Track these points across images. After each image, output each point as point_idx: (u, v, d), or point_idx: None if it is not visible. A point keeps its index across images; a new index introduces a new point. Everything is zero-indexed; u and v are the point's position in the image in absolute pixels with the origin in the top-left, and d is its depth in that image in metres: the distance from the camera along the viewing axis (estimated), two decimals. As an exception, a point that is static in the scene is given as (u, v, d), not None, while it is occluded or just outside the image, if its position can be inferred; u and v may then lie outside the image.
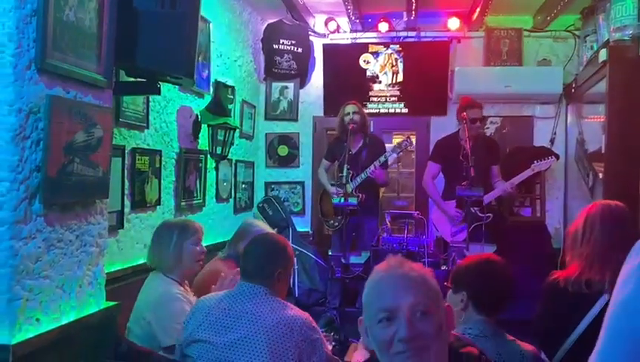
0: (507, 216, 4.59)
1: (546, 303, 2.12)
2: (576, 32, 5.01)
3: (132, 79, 2.47)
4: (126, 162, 3.01)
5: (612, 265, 1.81)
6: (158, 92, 2.57)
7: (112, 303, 2.17)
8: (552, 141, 5.16)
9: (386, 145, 4.74)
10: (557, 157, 4.62)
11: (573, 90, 4.90)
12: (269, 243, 2.12)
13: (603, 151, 3.72)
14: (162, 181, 3.44)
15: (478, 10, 4.76)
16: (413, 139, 5.70)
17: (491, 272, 1.96)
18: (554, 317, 2.06)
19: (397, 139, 5.21)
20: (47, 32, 1.72)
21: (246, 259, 2.08)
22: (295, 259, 4.57)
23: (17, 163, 1.66)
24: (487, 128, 5.13)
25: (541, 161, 4.20)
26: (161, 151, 3.41)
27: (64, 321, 1.88)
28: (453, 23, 5.13)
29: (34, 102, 1.71)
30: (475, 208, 3.91)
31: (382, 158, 4.35)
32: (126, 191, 3.04)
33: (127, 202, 3.05)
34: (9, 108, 1.65)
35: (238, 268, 2.41)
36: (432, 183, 4.48)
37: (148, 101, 3.21)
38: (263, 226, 3.18)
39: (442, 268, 4.41)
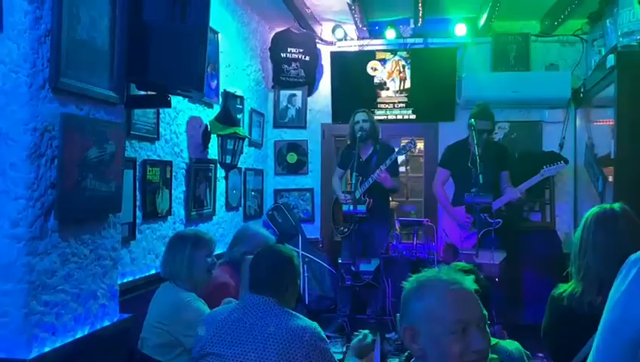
0: (516, 221, 4.58)
1: (552, 320, 2.11)
2: (584, 37, 5.00)
3: (143, 92, 2.51)
4: (137, 174, 3.05)
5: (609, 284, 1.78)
6: (169, 105, 2.60)
7: (125, 315, 2.20)
8: (561, 145, 5.15)
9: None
10: (566, 161, 4.60)
11: (581, 95, 4.88)
12: (276, 255, 2.14)
13: (612, 156, 3.71)
14: (173, 191, 3.47)
15: (485, 15, 4.76)
16: (422, 145, 5.73)
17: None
18: (560, 336, 2.05)
19: (404, 143, 5.23)
20: (60, 51, 1.76)
21: (253, 271, 2.10)
22: (305, 266, 4.67)
23: (33, 180, 1.70)
24: (496, 133, 5.12)
25: (551, 166, 4.18)
26: (171, 161, 3.44)
27: (79, 335, 1.92)
28: (461, 29, 5.14)
29: (48, 121, 1.75)
30: (485, 214, 3.91)
31: (387, 161, 4.37)
32: (137, 203, 3.08)
33: (138, 213, 3.09)
34: (24, 127, 1.69)
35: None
36: (442, 189, 4.49)
37: (158, 113, 3.25)
38: (259, 230, 3.23)
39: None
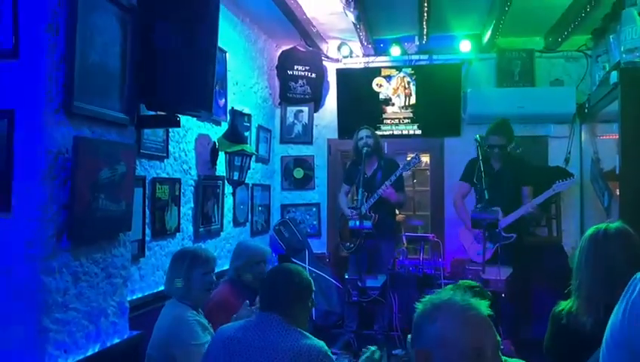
0: (524, 236, 4.57)
1: (552, 337, 2.12)
2: (588, 52, 5.03)
3: (152, 113, 2.56)
4: (147, 192, 3.10)
5: (604, 303, 1.79)
6: (178, 125, 2.66)
7: (135, 332, 2.24)
8: (566, 160, 5.15)
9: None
10: (572, 176, 4.61)
11: (586, 110, 4.90)
12: (286, 273, 2.17)
13: (617, 171, 3.72)
14: (181, 208, 3.52)
15: (489, 32, 4.82)
16: (427, 159, 5.77)
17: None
18: (561, 353, 2.07)
19: (409, 158, 5.26)
20: (74, 77, 1.83)
21: (263, 288, 2.13)
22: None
23: (47, 202, 1.75)
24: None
25: (562, 181, 4.19)
26: (180, 179, 3.50)
27: (90, 352, 1.95)
28: (465, 46, 5.19)
29: (62, 144, 1.81)
30: (494, 229, 3.91)
31: (392, 177, 4.41)
32: (147, 220, 3.13)
33: (147, 230, 3.14)
34: (39, 151, 1.74)
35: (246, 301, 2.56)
36: (461, 202, 4.54)
37: (167, 131, 3.31)
38: (249, 244, 3.33)
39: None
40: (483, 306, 1.37)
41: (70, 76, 1.81)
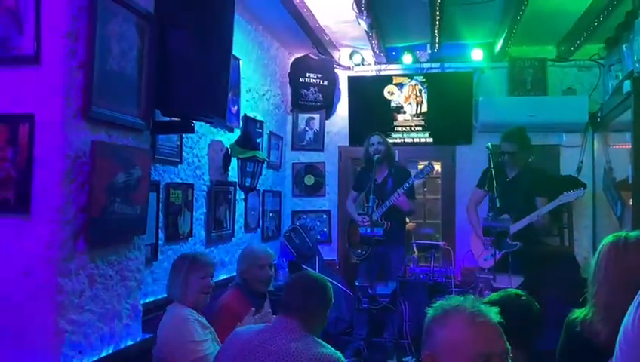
0: (535, 245, 4.55)
1: (566, 345, 2.11)
2: (601, 61, 5.02)
3: (167, 119, 2.60)
4: (160, 196, 3.14)
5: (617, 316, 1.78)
6: (192, 130, 2.70)
7: (147, 335, 2.26)
8: (579, 169, 5.14)
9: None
10: (584, 186, 4.58)
11: (599, 119, 4.89)
12: (307, 280, 2.18)
13: (630, 181, 3.70)
14: (194, 213, 3.55)
15: (501, 41, 4.83)
16: (438, 167, 5.76)
17: (522, 307, 1.98)
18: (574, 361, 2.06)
19: (421, 166, 5.27)
20: (93, 82, 1.86)
21: (286, 292, 2.15)
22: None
23: (65, 204, 1.79)
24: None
25: (570, 191, 4.16)
26: (193, 184, 3.53)
27: (104, 354, 1.98)
28: (477, 54, 5.21)
29: (80, 148, 1.84)
30: (505, 237, 3.91)
31: (405, 185, 4.41)
32: (160, 224, 3.16)
33: (161, 234, 3.18)
34: (58, 154, 1.78)
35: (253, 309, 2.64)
36: (473, 208, 4.55)
37: (181, 137, 3.36)
38: (252, 246, 3.38)
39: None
40: (492, 313, 1.37)
41: (89, 82, 1.85)
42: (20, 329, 1.76)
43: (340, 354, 2.02)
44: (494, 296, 2.11)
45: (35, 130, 1.78)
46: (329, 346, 2.04)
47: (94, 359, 1.92)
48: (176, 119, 2.59)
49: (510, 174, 4.34)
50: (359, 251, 4.65)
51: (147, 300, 2.94)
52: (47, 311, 1.75)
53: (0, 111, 1.81)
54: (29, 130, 1.78)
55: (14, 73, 1.81)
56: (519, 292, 2.17)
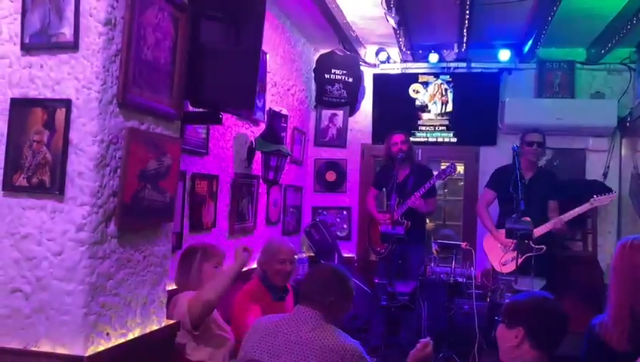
0: (557, 253, 4.49)
1: (588, 350, 2.11)
2: (632, 65, 4.94)
3: (195, 109, 2.63)
4: (186, 186, 3.18)
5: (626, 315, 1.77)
6: (220, 122, 2.73)
7: (171, 321, 2.30)
8: (605, 175, 5.06)
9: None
10: (610, 190, 4.51)
11: (628, 124, 4.81)
12: (328, 271, 2.21)
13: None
14: (218, 204, 3.59)
15: (530, 42, 4.77)
16: (462, 169, 5.72)
17: (550, 309, 1.97)
18: None
19: (444, 167, 5.23)
20: (128, 70, 1.89)
21: (305, 283, 2.17)
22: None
23: (98, 189, 1.82)
24: (546, 158, 5.07)
25: (601, 195, 4.10)
26: (218, 176, 3.57)
27: (130, 337, 2.02)
28: (504, 55, 5.16)
29: (114, 134, 1.88)
30: (527, 240, 3.87)
31: (427, 185, 4.40)
32: (185, 214, 3.20)
33: (185, 224, 3.21)
34: (93, 139, 1.82)
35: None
36: (485, 210, 4.50)
37: (208, 129, 3.39)
38: (272, 239, 3.47)
39: (487, 300, 4.37)
40: None
41: (124, 69, 1.88)
42: (50, 308, 1.81)
43: (358, 344, 2.04)
44: (521, 296, 2.11)
45: (72, 115, 1.83)
46: (348, 336, 2.06)
47: (121, 341, 1.96)
48: (204, 110, 2.63)
49: (527, 176, 4.27)
50: (379, 249, 4.64)
51: (170, 288, 2.97)
52: (77, 292, 1.79)
53: (38, 95, 1.86)
54: (66, 114, 1.83)
55: (53, 59, 1.85)
56: (546, 294, 2.16)
